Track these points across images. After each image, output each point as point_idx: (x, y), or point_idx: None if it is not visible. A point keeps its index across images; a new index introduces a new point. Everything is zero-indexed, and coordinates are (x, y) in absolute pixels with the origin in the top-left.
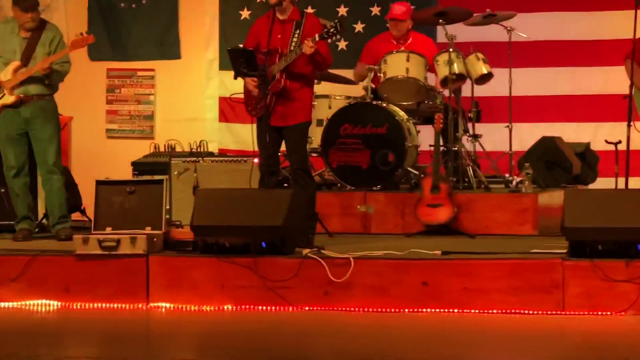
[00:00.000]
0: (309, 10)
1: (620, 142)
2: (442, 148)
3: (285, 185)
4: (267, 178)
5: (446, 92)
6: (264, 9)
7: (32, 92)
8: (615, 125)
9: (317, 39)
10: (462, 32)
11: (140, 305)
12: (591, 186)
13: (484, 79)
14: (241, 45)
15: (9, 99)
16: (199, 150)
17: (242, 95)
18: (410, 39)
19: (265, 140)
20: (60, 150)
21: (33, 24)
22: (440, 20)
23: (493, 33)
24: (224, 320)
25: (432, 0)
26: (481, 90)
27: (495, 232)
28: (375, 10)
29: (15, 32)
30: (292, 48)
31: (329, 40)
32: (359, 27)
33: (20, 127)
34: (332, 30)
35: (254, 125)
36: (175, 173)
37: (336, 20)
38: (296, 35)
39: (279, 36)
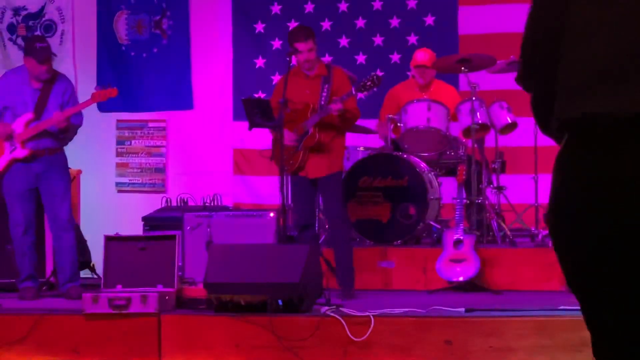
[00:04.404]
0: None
1: None
2: (465, 200)
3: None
4: (302, 232)
5: (469, 143)
6: (280, 57)
7: (45, 146)
8: None
9: (347, 96)
10: (486, 80)
11: None
12: None
13: (508, 128)
14: (256, 95)
15: (21, 152)
16: (212, 204)
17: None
18: (433, 87)
19: (299, 194)
20: (71, 207)
21: (47, 76)
22: (463, 68)
23: None
24: None
25: (453, 47)
26: (505, 140)
27: (521, 288)
28: (395, 58)
29: (26, 83)
30: (322, 103)
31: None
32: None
33: (30, 182)
34: (368, 83)
35: (271, 178)
36: (188, 228)
37: (373, 74)
38: (325, 90)
39: (308, 92)
